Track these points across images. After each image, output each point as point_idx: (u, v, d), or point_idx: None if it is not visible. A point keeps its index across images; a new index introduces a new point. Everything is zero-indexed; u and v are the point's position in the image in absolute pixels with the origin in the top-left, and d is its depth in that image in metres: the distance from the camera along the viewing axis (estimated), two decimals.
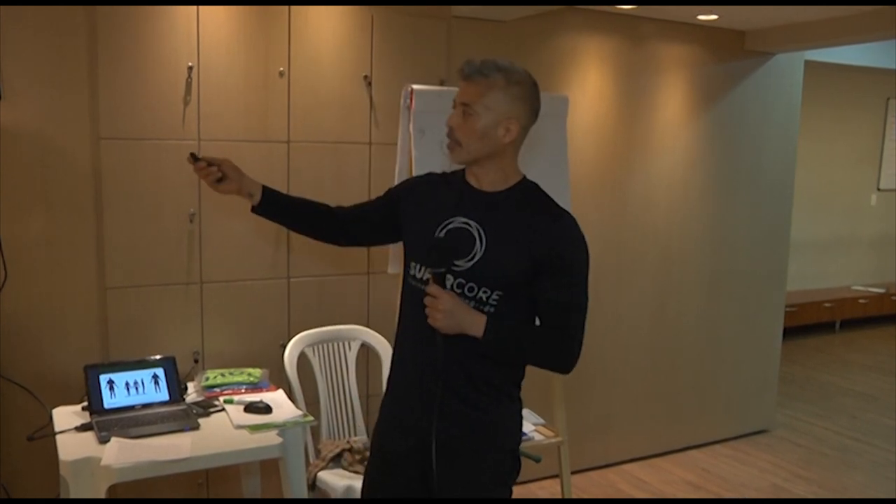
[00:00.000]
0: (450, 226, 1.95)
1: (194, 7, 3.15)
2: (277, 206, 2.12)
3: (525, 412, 3.48)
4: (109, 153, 3.07)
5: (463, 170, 2.04)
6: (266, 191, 2.09)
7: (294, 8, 3.34)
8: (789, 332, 5.76)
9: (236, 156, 3.24)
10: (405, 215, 2.08)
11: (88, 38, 3.02)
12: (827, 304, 7.85)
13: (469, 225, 1.93)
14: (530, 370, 2.03)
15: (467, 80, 1.89)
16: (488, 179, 1.96)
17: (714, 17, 4.20)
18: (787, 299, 5.26)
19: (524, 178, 2.01)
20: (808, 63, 5.04)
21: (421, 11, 3.61)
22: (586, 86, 4.16)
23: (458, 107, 1.90)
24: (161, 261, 3.22)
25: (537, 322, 1.97)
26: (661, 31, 4.33)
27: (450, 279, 1.91)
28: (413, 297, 1.98)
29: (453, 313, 1.85)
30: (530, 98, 1.92)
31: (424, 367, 1.95)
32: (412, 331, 2.01)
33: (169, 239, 3.23)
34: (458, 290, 1.90)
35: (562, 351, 1.92)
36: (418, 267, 1.98)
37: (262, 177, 3.24)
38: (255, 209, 2.11)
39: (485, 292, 1.90)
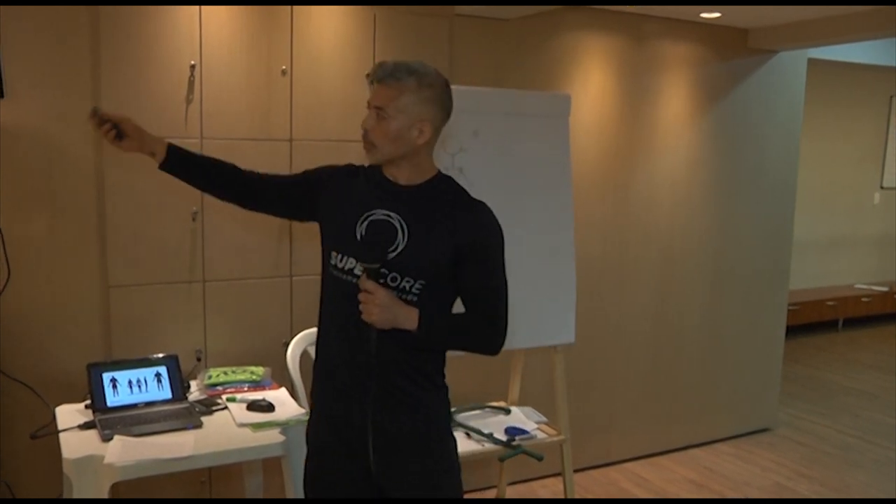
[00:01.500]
0: (371, 217, 1.97)
1: (197, 6, 3.15)
2: (183, 164, 2.10)
3: (527, 410, 3.49)
4: (112, 152, 3.04)
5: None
6: (171, 147, 2.08)
7: (297, 7, 3.34)
8: (792, 331, 5.75)
9: (239, 154, 3.28)
10: (325, 203, 2.09)
11: (91, 37, 3.03)
12: (830, 303, 7.85)
13: (390, 217, 1.96)
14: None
15: (380, 83, 1.91)
16: (404, 175, 2.00)
17: (717, 15, 4.20)
18: (790, 298, 5.25)
19: (439, 171, 2.05)
20: (811, 61, 5.04)
21: (423, 10, 3.61)
22: (589, 84, 4.16)
23: (372, 110, 1.93)
24: (163, 259, 3.23)
25: (460, 309, 2.02)
26: (663, 29, 4.32)
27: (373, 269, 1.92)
28: (338, 289, 2.00)
29: (389, 308, 1.88)
30: (442, 99, 1.96)
31: (355, 360, 1.97)
32: (339, 323, 2.01)
33: (171, 237, 3.23)
34: (381, 281, 1.92)
35: (491, 335, 1.99)
36: (340, 257, 1.99)
37: None
38: (161, 166, 2.09)
39: (408, 282, 1.93)
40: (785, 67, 4.83)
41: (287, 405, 2.90)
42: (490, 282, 1.98)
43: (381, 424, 1.97)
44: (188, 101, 3.19)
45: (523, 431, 3.29)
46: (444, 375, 2.08)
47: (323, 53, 3.42)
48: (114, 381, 2.83)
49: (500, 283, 1.99)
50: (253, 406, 2.84)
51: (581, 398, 4.29)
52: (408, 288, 1.93)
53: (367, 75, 1.95)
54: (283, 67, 3.34)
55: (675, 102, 4.46)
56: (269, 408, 2.83)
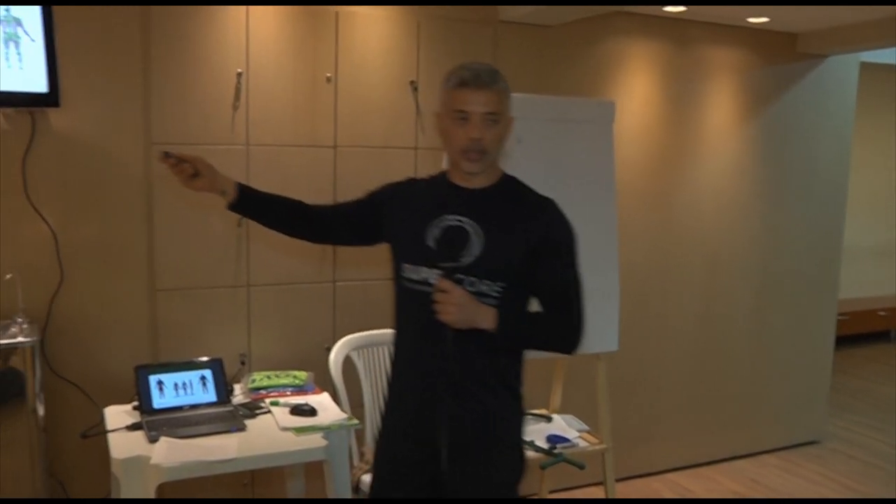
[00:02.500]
0: (442, 224, 1.97)
1: (244, 14, 3.20)
2: (252, 204, 2.12)
3: (568, 418, 3.47)
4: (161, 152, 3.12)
5: (443, 172, 2.08)
6: (241, 188, 2.08)
7: (341, 14, 3.37)
8: (841, 341, 5.63)
9: (284, 161, 3.32)
10: (390, 219, 2.09)
11: (142, 48, 3.09)
12: (881, 313, 7.65)
13: (462, 221, 1.95)
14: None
15: (487, 88, 1.89)
16: (480, 179, 1.99)
17: (765, 19, 4.14)
18: (840, 307, 5.14)
19: (504, 172, 2.05)
20: (863, 65, 4.93)
21: (467, 17, 3.62)
22: (633, 90, 4.12)
23: (482, 116, 1.89)
24: (209, 264, 3.28)
25: (537, 307, 2.01)
26: (709, 34, 4.27)
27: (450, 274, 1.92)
28: (412, 299, 1.99)
29: (466, 306, 1.86)
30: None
31: (430, 369, 1.97)
32: (414, 333, 2.02)
33: (217, 243, 3.28)
34: (456, 284, 1.91)
35: (569, 333, 1.98)
36: (413, 268, 1.98)
37: (309, 181, 3.34)
38: (230, 206, 2.10)
39: (486, 285, 1.92)
40: (835, 72, 4.73)
41: (329, 410, 2.92)
42: (565, 278, 1.97)
43: (454, 432, 1.96)
44: (235, 108, 3.24)
45: (565, 439, 3.27)
46: (521, 383, 2.06)
47: (367, 61, 3.45)
48: (160, 383, 2.89)
49: (577, 279, 1.99)
50: (296, 410, 2.86)
51: (623, 406, 4.25)
52: (486, 291, 1.92)
53: (461, 82, 1.90)
54: (328, 74, 3.37)
55: (721, 108, 4.40)
56: (312, 412, 2.85)
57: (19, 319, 2.87)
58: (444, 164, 3.04)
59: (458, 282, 1.90)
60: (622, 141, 3.99)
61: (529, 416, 3.48)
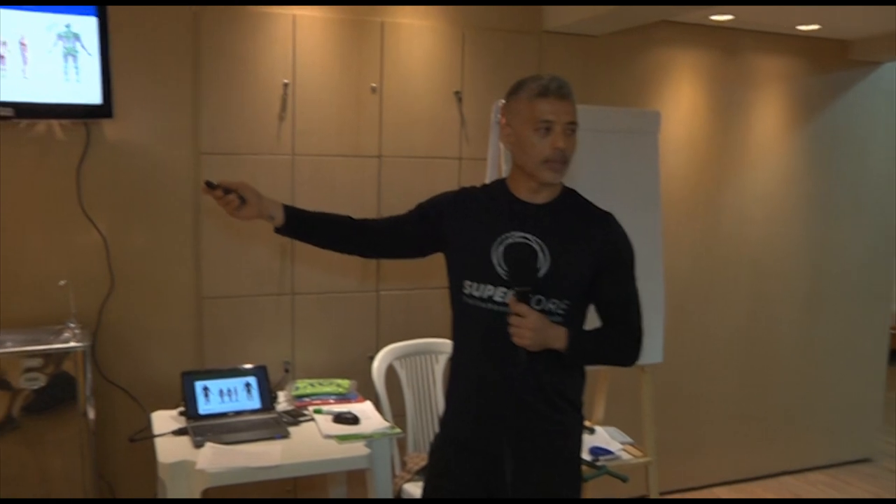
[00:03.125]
0: (507, 241, 1.94)
1: (291, 26, 3.25)
2: (300, 225, 2.03)
3: (612, 430, 3.43)
4: (209, 168, 3.18)
5: (501, 182, 2.05)
6: (288, 210, 1.99)
7: (387, 25, 3.40)
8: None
9: (329, 170, 3.35)
10: (448, 232, 2.04)
11: (192, 59, 3.15)
12: None
13: (528, 238, 1.93)
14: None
15: (565, 99, 1.89)
16: (545, 193, 1.97)
17: (816, 26, 4.06)
18: (894, 321, 5.01)
19: (564, 186, 2.03)
20: None
21: (512, 27, 3.63)
22: (679, 100, 4.08)
23: (565, 126, 1.88)
24: (254, 272, 3.32)
25: (599, 321, 2.02)
26: (757, 42, 4.21)
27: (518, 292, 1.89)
28: (476, 317, 1.96)
29: (541, 330, 1.85)
30: None
31: (496, 385, 1.95)
32: (478, 349, 1.99)
33: (262, 251, 3.32)
34: (524, 301, 1.88)
35: (631, 347, 1.99)
36: (476, 285, 1.95)
37: (353, 191, 3.37)
38: (278, 230, 2.01)
39: (553, 303, 1.91)
40: (890, 79, 4.63)
41: (372, 418, 2.93)
42: (627, 292, 1.98)
43: (520, 446, 1.95)
44: (281, 118, 3.28)
45: (608, 452, 3.23)
46: (582, 396, 2.06)
47: (412, 71, 3.47)
48: (206, 389, 2.94)
49: (635, 292, 1.99)
50: (339, 418, 2.88)
51: (667, 419, 4.19)
52: (553, 309, 1.92)
53: (543, 91, 1.88)
54: (373, 85, 3.40)
55: (769, 117, 4.34)
56: (355, 420, 2.87)
57: (71, 324, 2.93)
58: (488, 177, 3.06)
59: (529, 302, 1.88)
60: (667, 151, 3.95)
61: None
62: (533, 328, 1.83)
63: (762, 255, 4.43)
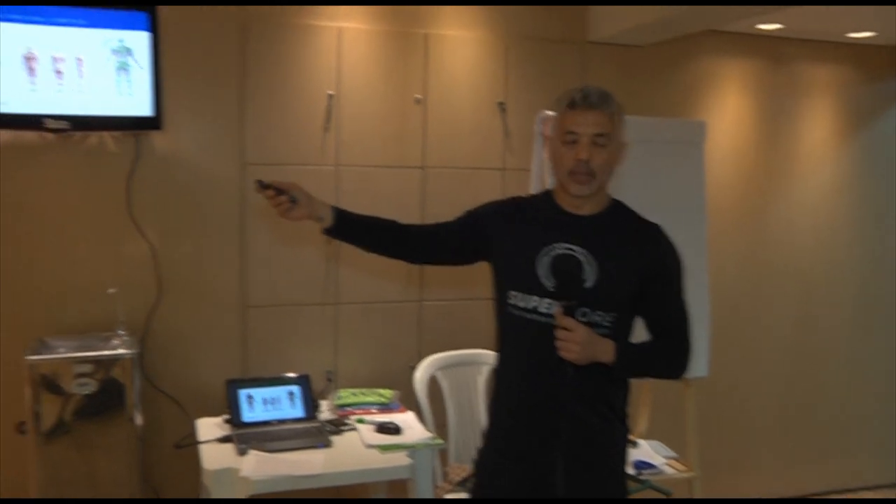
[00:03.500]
0: (552, 252, 1.92)
1: (336, 38, 3.29)
2: (349, 227, 2.02)
3: (655, 444, 3.39)
4: (254, 178, 3.20)
5: (548, 193, 2.04)
6: (337, 212, 1.99)
7: (431, 36, 3.42)
8: None
9: (373, 181, 3.37)
10: (495, 241, 2.02)
11: (239, 71, 3.21)
12: None
13: (573, 250, 1.91)
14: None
15: (595, 109, 1.87)
16: (590, 205, 1.96)
17: (869, 34, 3.98)
18: None
19: (613, 198, 2.02)
20: None
21: (556, 38, 3.62)
22: (725, 110, 4.03)
23: (591, 137, 1.87)
24: (298, 282, 3.35)
25: (647, 334, 1.99)
26: (806, 51, 4.14)
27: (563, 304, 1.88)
28: (522, 328, 1.95)
29: (588, 344, 1.83)
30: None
31: (543, 396, 1.92)
32: (523, 360, 1.97)
33: (307, 261, 3.35)
34: (570, 313, 1.87)
35: (679, 360, 1.97)
36: (521, 296, 1.93)
37: (397, 202, 3.38)
38: (326, 231, 2.01)
39: (599, 315, 1.89)
40: None
41: (414, 429, 2.93)
42: (675, 305, 1.97)
43: (570, 457, 1.93)
44: (325, 129, 3.31)
45: (651, 466, 3.20)
46: (628, 409, 2.03)
47: (455, 82, 3.49)
48: (250, 397, 2.97)
49: (685, 305, 1.98)
50: (381, 428, 2.89)
51: (712, 433, 4.12)
52: (599, 321, 1.89)
53: (570, 103, 1.88)
54: (417, 96, 3.42)
55: (818, 126, 4.26)
56: (397, 430, 2.88)
57: (121, 332, 2.99)
58: (532, 188, 3.06)
59: (575, 314, 1.86)
60: (713, 161, 3.90)
61: None
62: (580, 342, 1.82)
63: (810, 266, 4.34)
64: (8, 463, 3.03)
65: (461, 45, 3.49)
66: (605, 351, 1.85)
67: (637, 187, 3.12)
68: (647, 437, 3.49)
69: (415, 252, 2.15)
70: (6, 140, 2.96)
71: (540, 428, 1.94)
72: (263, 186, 1.93)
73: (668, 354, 1.97)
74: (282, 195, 1.93)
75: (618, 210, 2.00)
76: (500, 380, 2.05)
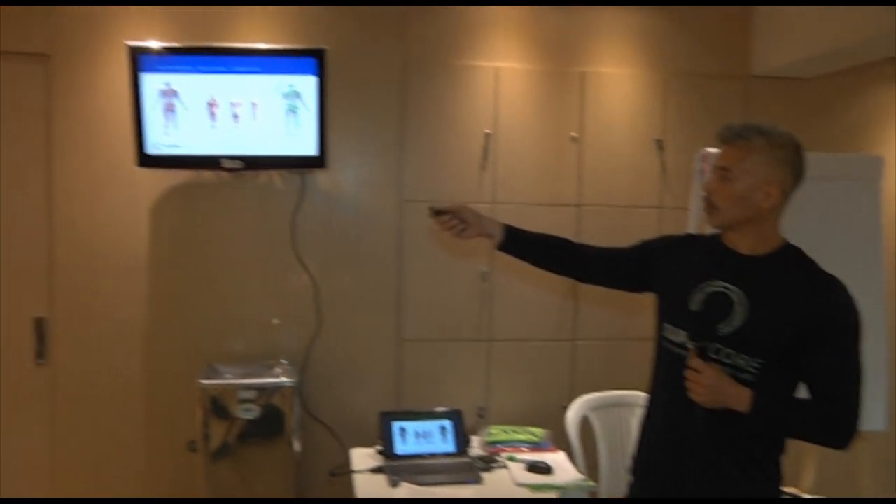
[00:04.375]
0: (707, 289, 1.88)
1: (493, 77, 3.35)
2: (520, 243, 2.13)
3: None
4: (411, 215, 3.32)
5: (719, 232, 2.00)
6: (508, 229, 2.10)
7: (588, 74, 3.42)
8: None
9: (528, 218, 3.35)
10: (659, 273, 2.03)
11: (398, 111, 3.31)
12: None
13: (729, 289, 1.86)
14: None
15: (727, 143, 1.86)
16: (746, 243, 1.89)
17: None
18: None
19: (786, 242, 1.92)
20: None
21: (716, 72, 3.54)
22: None
23: (716, 171, 1.87)
24: (453, 317, 3.40)
25: (804, 393, 1.85)
26: None
27: (706, 343, 1.84)
28: (669, 361, 1.93)
29: (716, 389, 1.77)
30: (793, 162, 1.85)
31: (679, 436, 1.88)
32: (666, 396, 1.94)
33: (461, 296, 3.39)
34: (714, 356, 1.82)
35: (834, 426, 1.80)
36: (673, 329, 1.93)
37: None
38: (499, 247, 2.11)
39: (743, 359, 1.81)
40: None
41: (566, 469, 2.88)
42: (839, 366, 1.80)
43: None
44: (482, 167, 3.36)
45: None
46: (778, 464, 1.92)
47: (612, 120, 3.46)
48: (402, 430, 3.02)
49: (852, 369, 1.81)
50: (532, 467, 2.86)
51: (887, 491, 3.79)
52: (743, 365, 1.81)
53: (718, 136, 1.91)
54: (573, 134, 3.42)
55: None
56: (548, 470, 2.83)
57: (283, 361, 3.13)
58: (691, 227, 2.95)
59: (715, 351, 1.82)
60: (891, 199, 3.64)
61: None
62: (707, 385, 1.77)
63: None
64: (179, 478, 3.20)
65: (618, 82, 3.46)
66: (738, 399, 1.77)
67: (805, 228, 2.95)
68: (813, 491, 3.25)
69: (586, 270, 2.18)
70: (187, 179, 3.18)
71: (670, 466, 1.90)
72: (437, 213, 2.05)
73: (822, 418, 1.79)
74: (453, 219, 2.06)
75: (789, 255, 1.90)
76: (646, 411, 2.05)
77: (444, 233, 2.09)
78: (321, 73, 3.04)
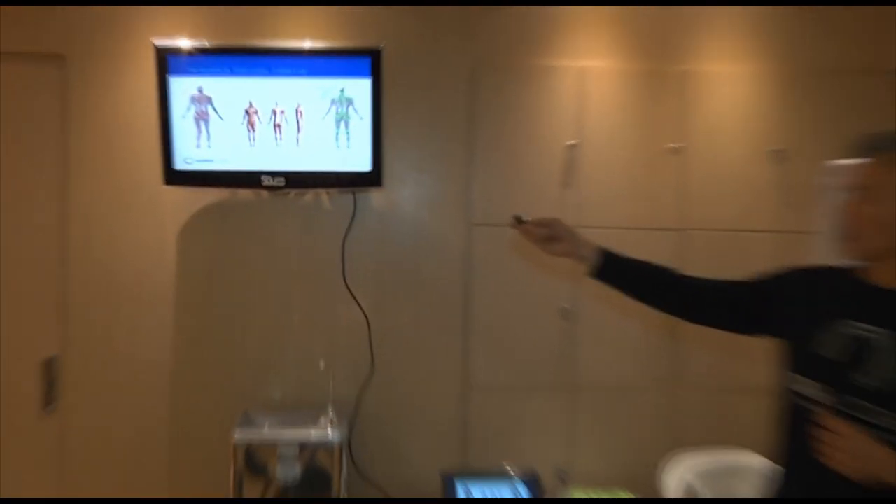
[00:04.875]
0: (841, 332, 1.67)
1: (577, 80, 2.98)
2: (618, 271, 1.95)
3: None
4: (480, 240, 3.00)
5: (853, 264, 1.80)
6: (603, 252, 1.94)
7: (691, 74, 3.02)
8: None
9: (619, 244, 2.90)
10: (781, 312, 1.81)
11: (467, 122, 2.99)
12: None
13: (870, 332, 1.64)
14: None
15: (868, 156, 1.69)
16: (892, 276, 1.67)
17: None
18: None
19: None
20: None
21: (857, 66, 3.07)
22: None
23: (855, 191, 1.68)
24: (530, 361, 3.03)
25: None
26: None
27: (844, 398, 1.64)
28: (799, 418, 1.72)
29: (864, 457, 1.53)
30: None
31: None
32: (798, 461, 1.73)
33: (539, 337, 3.02)
34: (850, 411, 1.60)
35: None
36: (798, 379, 1.72)
37: None
38: (592, 274, 1.95)
39: (893, 420, 1.56)
40: None
41: None
42: None
43: None
44: (564, 184, 2.98)
45: None
46: None
47: (721, 127, 3.05)
48: (469, 493, 2.72)
49: None
50: None
51: None
52: (892, 426, 1.57)
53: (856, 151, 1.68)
54: (674, 145, 3.01)
55: None
56: None
57: (330, 411, 2.81)
58: (818, 255, 2.50)
59: (859, 410, 1.59)
60: None
61: None
62: (851, 451, 1.53)
63: None
64: None
65: (728, 82, 3.04)
66: (887, 468, 1.52)
67: None
68: None
69: (693, 307, 1.96)
70: (221, 198, 2.91)
71: None
72: (520, 222, 1.95)
73: None
74: (541, 228, 1.95)
75: None
76: (776, 477, 1.82)
77: (530, 243, 1.96)
78: (376, 76, 2.72)
